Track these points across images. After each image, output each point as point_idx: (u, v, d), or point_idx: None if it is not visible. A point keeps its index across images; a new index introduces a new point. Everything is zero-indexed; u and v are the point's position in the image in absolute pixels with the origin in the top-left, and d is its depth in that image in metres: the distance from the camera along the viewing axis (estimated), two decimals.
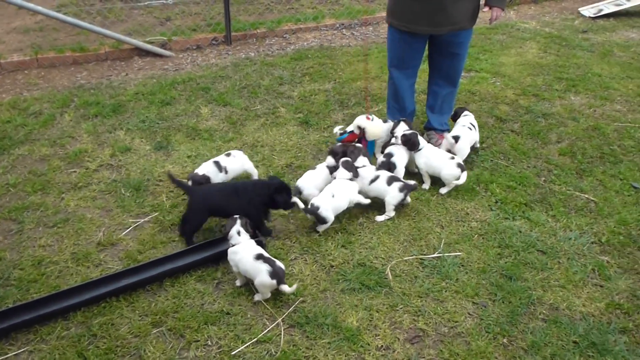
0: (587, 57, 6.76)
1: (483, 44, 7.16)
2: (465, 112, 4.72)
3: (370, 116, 4.42)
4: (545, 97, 5.72)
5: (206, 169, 4.02)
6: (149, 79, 6.07)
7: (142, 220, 3.88)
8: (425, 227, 3.86)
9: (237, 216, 3.40)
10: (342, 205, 3.83)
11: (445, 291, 3.35)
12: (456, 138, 4.44)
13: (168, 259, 3.45)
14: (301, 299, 3.28)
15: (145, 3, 7.92)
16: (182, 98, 5.62)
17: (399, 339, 3.04)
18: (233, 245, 3.32)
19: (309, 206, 3.74)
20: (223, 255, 3.46)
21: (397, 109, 4.71)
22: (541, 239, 3.77)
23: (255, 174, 4.24)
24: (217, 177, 3.99)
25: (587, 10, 8.59)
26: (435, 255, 3.63)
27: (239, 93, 5.74)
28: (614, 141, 4.95)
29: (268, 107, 5.47)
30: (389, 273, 3.46)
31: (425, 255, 3.62)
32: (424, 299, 3.29)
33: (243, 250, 3.28)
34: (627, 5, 8.47)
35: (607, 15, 8.39)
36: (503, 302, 3.28)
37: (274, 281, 3.15)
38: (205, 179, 3.95)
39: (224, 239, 3.49)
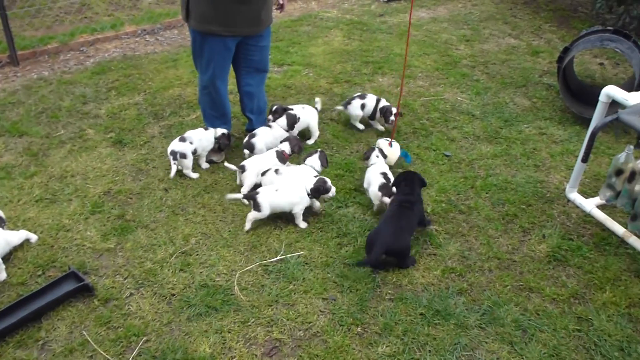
0: (387, 39, 7.16)
1: (291, 36, 7.24)
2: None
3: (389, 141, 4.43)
4: (356, 82, 5.93)
5: None
6: None
7: None
8: (263, 232, 3.77)
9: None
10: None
11: (294, 293, 3.29)
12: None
13: None
14: (144, 338, 2.99)
15: None
16: None
17: (256, 355, 2.92)
18: None
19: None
20: (44, 310, 3.05)
21: (217, 117, 4.52)
22: (374, 221, 3.88)
23: None
24: None
25: None
26: (277, 258, 3.55)
27: (37, 119, 5.11)
28: (422, 115, 5.29)
29: (73, 130, 4.94)
30: (236, 288, 3.30)
31: (268, 260, 3.53)
32: (274, 307, 3.20)
33: None
34: None
35: None
36: (351, 291, 3.32)
37: None
38: None
39: (42, 292, 3.13)
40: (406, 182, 3.70)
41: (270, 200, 3.75)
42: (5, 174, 4.29)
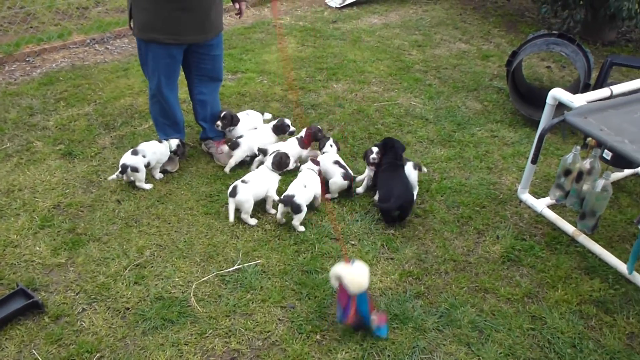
0: (341, 46, 7.21)
1: (244, 44, 7.20)
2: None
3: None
4: (311, 89, 5.94)
5: None
6: None
7: None
8: (220, 242, 3.72)
9: None
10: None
11: (252, 303, 3.26)
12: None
13: None
14: (97, 355, 2.91)
15: None
16: None
17: None
18: None
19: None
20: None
21: (169, 125, 4.45)
22: (332, 227, 3.89)
23: None
24: None
25: (333, 2, 9.18)
26: (234, 267, 3.51)
27: None
28: (377, 120, 5.34)
29: (20, 143, 4.77)
30: (193, 299, 3.25)
31: (224, 270, 3.49)
32: (232, 317, 3.16)
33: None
34: None
35: (351, 5, 9.06)
36: (309, 299, 3.30)
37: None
38: None
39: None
40: (390, 148, 4.13)
41: (306, 199, 3.88)
42: None
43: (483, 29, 7.97)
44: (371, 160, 4.16)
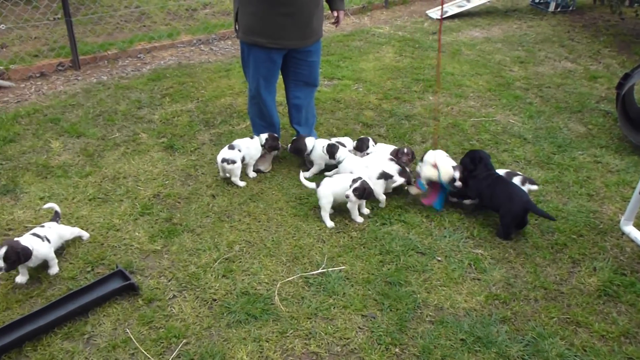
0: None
1: (342, 51, 7.29)
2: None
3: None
4: (406, 99, 5.91)
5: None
6: None
7: None
8: (306, 244, 3.77)
9: None
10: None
11: (334, 308, 3.28)
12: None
13: (26, 320, 3.04)
14: (184, 340, 3.03)
15: None
16: (27, 133, 5.07)
17: None
18: None
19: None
20: (91, 305, 3.14)
21: (265, 126, 4.59)
22: (419, 240, 3.84)
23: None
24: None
25: (434, 13, 9.10)
26: (319, 271, 3.55)
27: (94, 121, 5.30)
28: (472, 136, 5.22)
29: (127, 134, 5.10)
30: (276, 298, 3.32)
31: (309, 273, 3.53)
32: (313, 320, 3.19)
33: None
34: (468, 6, 9.10)
35: (452, 17, 8.95)
36: (391, 310, 3.28)
37: None
38: None
39: (90, 287, 3.23)
40: (479, 160, 4.10)
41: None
42: (62, 172, 4.46)
43: (592, 48, 7.59)
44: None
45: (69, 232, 3.66)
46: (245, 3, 4.06)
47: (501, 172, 4.18)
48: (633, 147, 5.04)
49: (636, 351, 3.06)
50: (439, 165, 4.08)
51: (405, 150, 4.36)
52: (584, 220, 4.09)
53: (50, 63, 6.51)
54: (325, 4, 4.48)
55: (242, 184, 4.37)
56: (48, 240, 3.42)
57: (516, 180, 4.08)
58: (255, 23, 4.09)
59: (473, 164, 4.11)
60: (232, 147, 4.34)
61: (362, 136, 4.67)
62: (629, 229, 3.94)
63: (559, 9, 9.33)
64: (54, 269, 3.45)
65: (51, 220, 3.66)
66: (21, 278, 3.36)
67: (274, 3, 3.97)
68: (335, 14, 4.59)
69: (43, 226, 3.53)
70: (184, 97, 5.86)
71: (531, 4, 9.77)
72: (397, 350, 3.03)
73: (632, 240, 3.89)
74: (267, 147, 4.52)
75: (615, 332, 3.18)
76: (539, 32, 8.25)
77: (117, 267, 3.45)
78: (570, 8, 9.38)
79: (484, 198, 4.04)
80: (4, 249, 3.16)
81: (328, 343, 3.06)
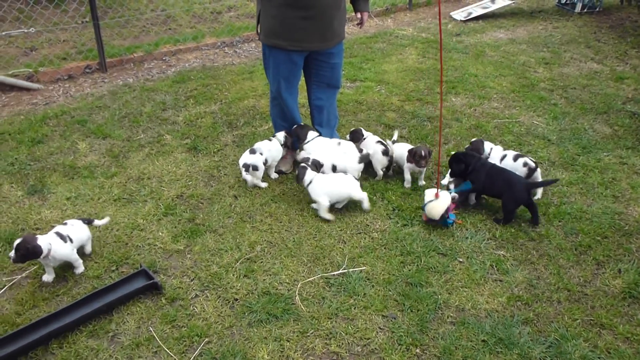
0: (463, 59, 7.08)
1: (365, 53, 7.30)
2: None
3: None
4: (428, 101, 5.89)
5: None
6: (16, 116, 5.55)
7: (19, 276, 3.49)
8: (327, 245, 3.79)
9: None
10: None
11: (354, 308, 3.29)
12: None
13: (53, 317, 3.11)
14: (206, 339, 3.07)
15: (4, 33, 7.27)
16: (55, 134, 5.19)
17: None
18: None
19: None
20: (115, 304, 3.20)
21: (286, 127, 4.62)
22: (440, 241, 3.83)
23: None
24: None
25: (458, 14, 9.04)
26: (340, 272, 3.56)
27: (119, 123, 5.40)
28: (495, 137, 5.17)
29: (152, 135, 5.18)
30: (297, 298, 3.34)
31: (330, 273, 3.55)
32: (333, 320, 3.20)
33: None
34: (493, 7, 9.03)
35: (476, 18, 8.89)
36: (411, 311, 3.27)
37: None
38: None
39: (115, 286, 3.30)
40: (467, 160, 4.14)
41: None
42: (88, 172, 4.55)
43: (619, 49, 7.47)
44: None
45: (87, 234, 3.66)
46: (267, 6, 4.10)
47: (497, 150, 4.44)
48: None
49: None
50: (433, 209, 3.92)
51: (422, 152, 4.25)
52: (608, 222, 4.03)
53: (78, 66, 6.65)
54: (349, 5, 4.50)
55: (264, 185, 4.40)
56: (70, 240, 3.47)
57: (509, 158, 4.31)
58: (276, 26, 4.13)
59: (464, 165, 4.15)
60: (253, 152, 4.37)
61: (353, 128, 4.78)
62: None
63: (585, 10, 9.20)
64: (79, 269, 3.52)
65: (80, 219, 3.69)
66: (47, 277, 3.44)
67: (294, 6, 4.00)
68: (359, 15, 4.60)
69: (66, 224, 3.59)
70: (208, 99, 5.93)
71: (557, 4, 9.65)
72: (417, 350, 3.03)
73: None
74: (288, 144, 4.55)
75: None
76: (564, 33, 8.14)
77: (140, 266, 3.51)
78: (597, 9, 9.24)
79: (485, 188, 4.13)
80: (19, 240, 3.26)
81: (348, 343, 3.07)
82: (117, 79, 6.54)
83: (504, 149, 4.49)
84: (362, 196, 4.05)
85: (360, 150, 4.40)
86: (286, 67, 4.30)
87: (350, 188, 4.02)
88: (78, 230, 3.57)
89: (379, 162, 4.47)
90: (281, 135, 4.54)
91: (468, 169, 4.12)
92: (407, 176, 4.42)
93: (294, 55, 4.24)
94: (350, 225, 3.98)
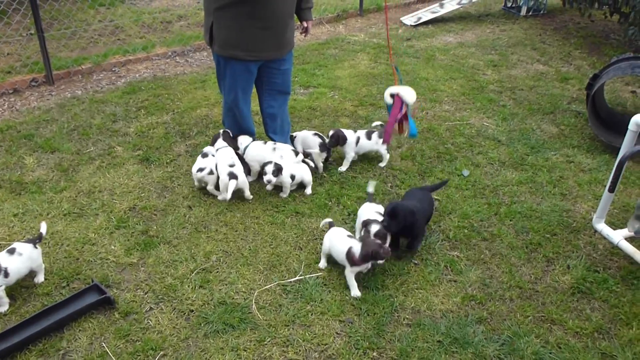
0: (414, 63, 7.20)
1: (317, 59, 7.33)
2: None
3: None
4: (381, 106, 5.95)
5: None
6: None
7: None
8: (283, 252, 3.78)
9: None
10: None
11: (311, 314, 3.28)
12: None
13: (0, 338, 3.00)
14: (161, 352, 3.01)
15: None
16: (0, 150, 5.01)
17: None
18: None
19: None
20: (66, 320, 3.11)
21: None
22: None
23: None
24: None
25: (408, 19, 9.19)
26: (296, 278, 3.55)
27: (68, 136, 5.26)
28: (447, 140, 5.27)
29: (103, 147, 5.06)
30: (254, 307, 3.31)
31: (286, 280, 3.53)
32: (291, 327, 3.19)
33: None
34: (442, 12, 9.21)
35: (426, 23, 9.04)
36: (368, 315, 3.29)
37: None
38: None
39: (65, 303, 3.23)
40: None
41: None
42: (36, 188, 4.41)
43: (563, 51, 7.73)
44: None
45: (38, 263, 3.45)
46: (221, 17, 4.07)
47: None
48: (604, 146, 5.14)
49: (609, 346, 3.11)
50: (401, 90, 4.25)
51: (331, 132, 4.64)
52: (557, 220, 4.16)
53: (24, 79, 6.45)
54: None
55: (218, 193, 4.36)
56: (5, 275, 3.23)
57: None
58: (232, 37, 4.10)
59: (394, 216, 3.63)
60: (205, 155, 4.34)
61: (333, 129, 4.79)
62: (601, 227, 4.00)
63: (530, 13, 9.48)
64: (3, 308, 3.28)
65: (29, 241, 3.46)
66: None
67: (252, 17, 4.00)
68: (305, 24, 4.68)
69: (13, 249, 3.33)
70: (160, 109, 5.84)
71: (503, 8, 9.92)
72: (374, 354, 3.05)
73: (604, 238, 3.96)
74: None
75: (589, 328, 3.23)
76: (511, 36, 8.37)
77: (92, 281, 3.42)
78: (542, 12, 9.54)
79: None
80: None
81: (306, 350, 3.06)
82: (65, 91, 6.37)
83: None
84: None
85: (296, 153, 4.48)
86: (244, 77, 4.29)
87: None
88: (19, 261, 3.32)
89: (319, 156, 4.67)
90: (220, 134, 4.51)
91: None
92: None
93: (250, 65, 4.23)
94: (306, 232, 3.97)
